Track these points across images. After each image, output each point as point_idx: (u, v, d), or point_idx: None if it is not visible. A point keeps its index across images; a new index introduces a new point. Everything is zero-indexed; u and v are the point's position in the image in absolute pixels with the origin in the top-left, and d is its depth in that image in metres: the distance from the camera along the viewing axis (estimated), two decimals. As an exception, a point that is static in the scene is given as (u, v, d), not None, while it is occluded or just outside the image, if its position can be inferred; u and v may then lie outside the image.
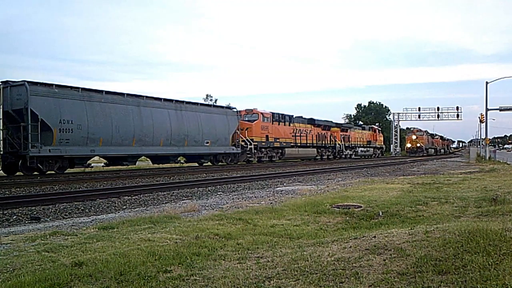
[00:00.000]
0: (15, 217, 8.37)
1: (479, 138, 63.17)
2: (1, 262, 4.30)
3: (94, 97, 19.90)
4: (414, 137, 61.20)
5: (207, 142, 26.02)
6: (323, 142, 39.79)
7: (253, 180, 16.46)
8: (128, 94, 21.91)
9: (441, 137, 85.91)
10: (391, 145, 69.50)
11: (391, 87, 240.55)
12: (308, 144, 36.91)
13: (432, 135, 72.75)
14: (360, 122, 65.16)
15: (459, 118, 68.64)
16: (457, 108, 68.87)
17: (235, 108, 30.35)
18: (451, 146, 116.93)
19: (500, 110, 38.79)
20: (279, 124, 32.95)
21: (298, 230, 6.28)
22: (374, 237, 4.68)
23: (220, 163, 27.75)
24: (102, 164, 24.08)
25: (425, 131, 65.71)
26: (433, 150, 69.31)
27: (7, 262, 4.32)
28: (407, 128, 68.66)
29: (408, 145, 61.31)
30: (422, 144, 60.19)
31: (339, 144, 42.25)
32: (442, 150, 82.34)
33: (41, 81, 18.11)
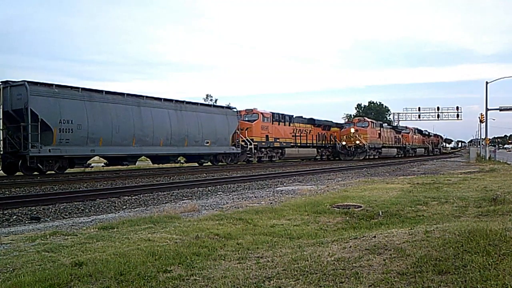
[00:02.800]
0: (15, 217, 8.37)
1: (479, 138, 62.90)
2: (1, 262, 4.30)
3: (94, 97, 19.92)
4: (352, 130, 40.20)
5: (207, 142, 26.03)
6: (323, 142, 39.81)
7: (253, 180, 16.45)
8: (128, 94, 21.93)
9: (420, 132, 63.31)
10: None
11: (391, 87, 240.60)
12: (308, 144, 36.95)
13: (397, 129, 52.73)
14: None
15: (459, 118, 68.99)
16: (457, 108, 69.22)
17: (235, 108, 30.41)
18: (443, 145, 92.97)
19: (500, 110, 38.79)
20: (279, 124, 33.00)
21: (298, 230, 6.28)
22: (374, 237, 4.67)
23: (220, 163, 27.76)
24: (102, 164, 24.09)
25: (373, 121, 44.82)
26: (395, 150, 49.32)
27: (7, 262, 4.32)
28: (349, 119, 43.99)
29: (343, 142, 40.21)
30: (364, 142, 39.33)
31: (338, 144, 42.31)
32: (422, 150, 61.26)
33: (41, 81, 18.16)
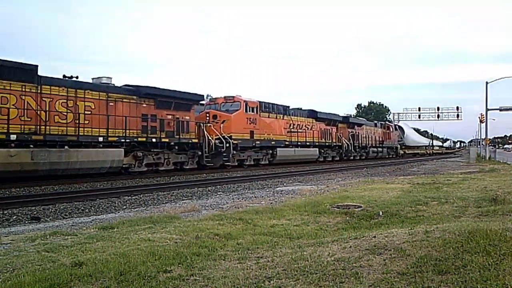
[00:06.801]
0: (15, 217, 8.37)
1: (479, 138, 62.78)
2: (1, 262, 4.30)
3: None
4: None
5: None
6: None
7: (253, 180, 16.46)
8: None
9: (313, 114, 32.09)
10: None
11: (391, 87, 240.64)
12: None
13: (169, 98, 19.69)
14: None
15: (459, 118, 68.73)
16: (457, 108, 68.92)
17: None
18: (403, 141, 58.02)
19: (500, 110, 38.76)
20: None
21: (298, 230, 6.28)
22: (374, 237, 4.67)
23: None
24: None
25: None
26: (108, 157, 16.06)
27: (7, 262, 4.32)
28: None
29: None
30: None
31: None
32: (309, 152, 30.50)
33: (41, 81, 18.06)
